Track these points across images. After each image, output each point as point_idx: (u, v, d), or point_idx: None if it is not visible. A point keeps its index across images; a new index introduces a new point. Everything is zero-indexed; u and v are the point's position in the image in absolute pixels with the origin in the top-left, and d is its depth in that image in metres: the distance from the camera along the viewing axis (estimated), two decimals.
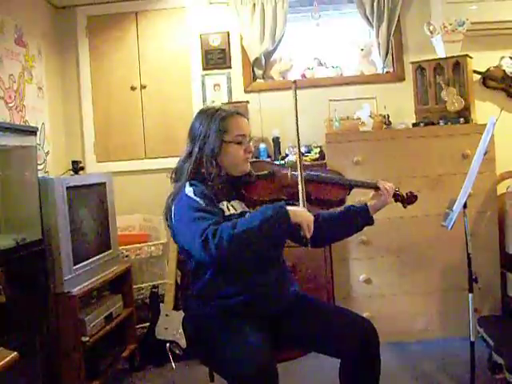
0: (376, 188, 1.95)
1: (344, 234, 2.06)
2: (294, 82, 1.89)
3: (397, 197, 2.01)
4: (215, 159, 1.77)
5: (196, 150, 1.80)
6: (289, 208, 1.62)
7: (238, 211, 1.80)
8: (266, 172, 1.92)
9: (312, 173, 1.97)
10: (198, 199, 1.69)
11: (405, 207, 2.04)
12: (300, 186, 1.75)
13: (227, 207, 1.79)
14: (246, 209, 1.85)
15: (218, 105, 3.06)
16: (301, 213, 1.65)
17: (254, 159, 2.04)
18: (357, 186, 1.99)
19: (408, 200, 2.03)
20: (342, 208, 1.98)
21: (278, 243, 1.84)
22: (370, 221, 1.96)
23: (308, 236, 1.65)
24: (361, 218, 1.95)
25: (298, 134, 1.86)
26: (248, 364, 1.53)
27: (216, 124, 1.79)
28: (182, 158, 1.85)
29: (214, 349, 1.70)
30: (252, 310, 1.76)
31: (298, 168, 1.77)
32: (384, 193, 1.92)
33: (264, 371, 1.53)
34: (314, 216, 1.94)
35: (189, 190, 1.72)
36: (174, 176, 1.86)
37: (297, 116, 1.84)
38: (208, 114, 1.83)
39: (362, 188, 2.00)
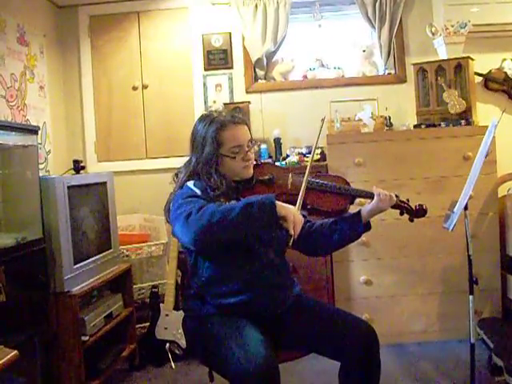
0: (373, 196, 1.89)
1: (341, 240, 1.96)
2: (323, 119, 1.93)
3: (401, 208, 1.93)
4: (215, 169, 1.80)
5: (193, 160, 1.84)
6: (278, 202, 1.58)
7: None
8: (266, 177, 1.90)
9: (312, 179, 1.92)
10: (195, 189, 1.75)
11: (411, 220, 1.96)
12: (301, 195, 1.72)
13: None
14: None
15: (219, 108, 3.05)
16: (289, 208, 1.60)
17: (259, 162, 2.03)
18: (356, 196, 1.94)
19: (416, 213, 1.93)
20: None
21: (261, 233, 1.79)
22: (365, 226, 1.90)
23: (291, 232, 1.56)
24: (353, 223, 1.89)
25: (312, 158, 1.91)
26: (250, 363, 1.52)
27: (211, 136, 1.80)
28: (183, 164, 1.90)
29: (215, 348, 1.70)
30: (251, 309, 1.76)
31: (303, 185, 1.75)
32: (378, 198, 1.86)
33: (266, 370, 1.53)
34: (307, 223, 1.95)
35: (190, 183, 1.79)
36: (175, 179, 1.91)
37: (314, 149, 1.96)
38: (206, 123, 1.84)
39: (360, 197, 1.95)
